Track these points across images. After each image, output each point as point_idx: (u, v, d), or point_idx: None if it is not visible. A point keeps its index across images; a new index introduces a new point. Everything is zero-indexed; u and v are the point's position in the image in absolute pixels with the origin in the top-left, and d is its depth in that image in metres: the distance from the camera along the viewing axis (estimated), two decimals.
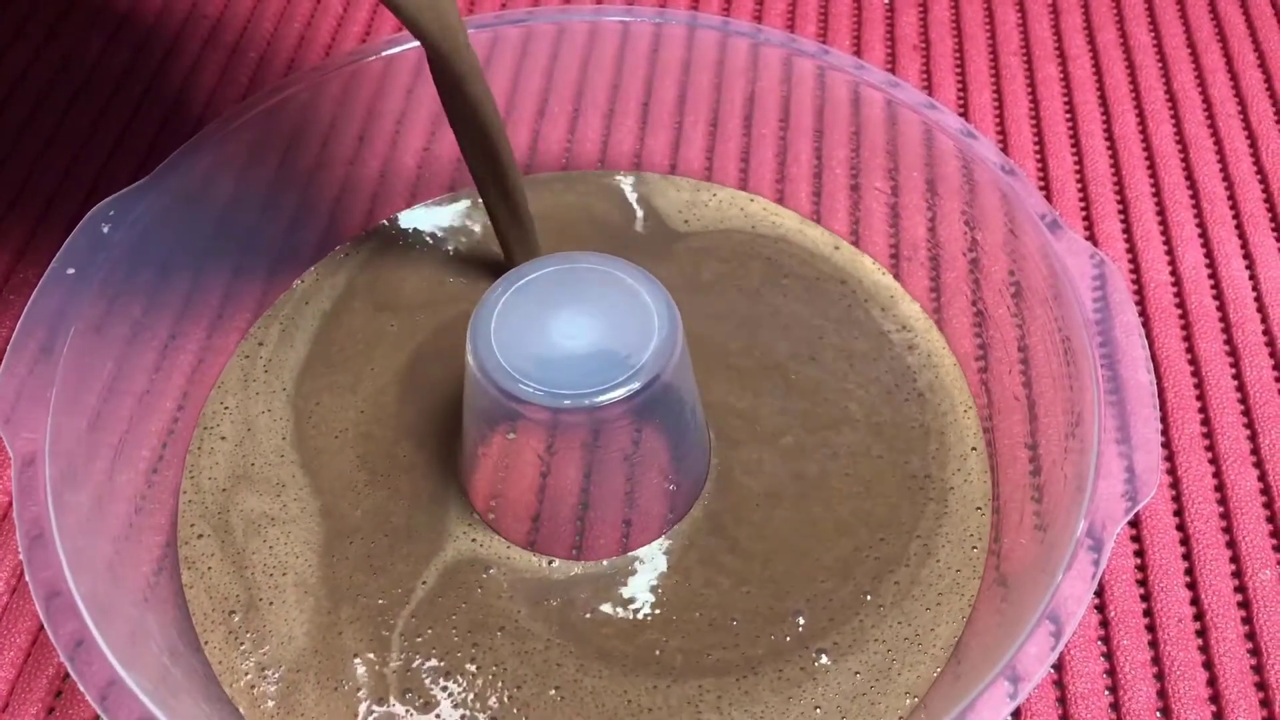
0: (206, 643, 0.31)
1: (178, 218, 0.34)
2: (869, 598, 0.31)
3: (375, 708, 0.30)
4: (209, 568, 0.32)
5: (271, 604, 0.31)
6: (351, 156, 0.39)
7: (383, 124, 0.40)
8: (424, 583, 0.32)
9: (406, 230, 0.39)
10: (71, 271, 0.31)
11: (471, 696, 0.30)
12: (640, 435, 0.31)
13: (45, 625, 0.26)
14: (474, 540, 0.32)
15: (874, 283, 0.37)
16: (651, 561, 0.32)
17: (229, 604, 0.31)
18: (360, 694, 0.30)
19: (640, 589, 0.31)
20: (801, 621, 0.30)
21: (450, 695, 0.30)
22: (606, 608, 0.31)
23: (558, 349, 0.30)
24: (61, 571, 0.26)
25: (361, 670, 0.30)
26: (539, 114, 0.41)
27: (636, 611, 0.31)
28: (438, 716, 0.29)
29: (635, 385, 0.29)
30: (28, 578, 0.26)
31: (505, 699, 0.30)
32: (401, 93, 0.39)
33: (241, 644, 0.31)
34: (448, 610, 0.31)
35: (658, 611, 0.31)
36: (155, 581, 0.31)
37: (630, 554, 0.32)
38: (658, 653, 0.30)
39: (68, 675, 0.30)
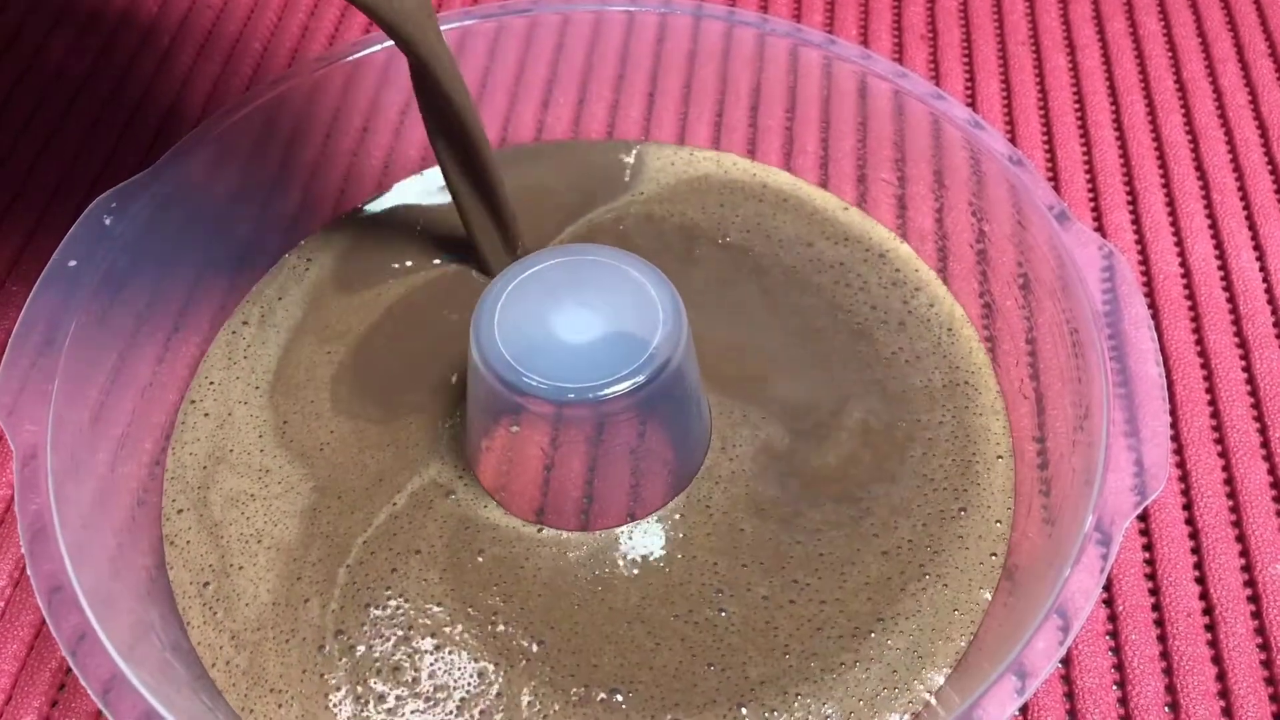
0: (189, 624, 0.30)
1: (180, 210, 0.34)
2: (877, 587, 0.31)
3: (316, 655, 0.30)
4: (187, 542, 0.32)
5: (241, 569, 0.31)
6: (354, 148, 0.39)
7: (387, 115, 0.40)
8: (391, 506, 0.32)
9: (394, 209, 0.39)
10: (73, 264, 0.31)
11: (395, 629, 0.30)
12: (645, 428, 0.30)
13: (47, 620, 0.26)
14: (450, 480, 0.33)
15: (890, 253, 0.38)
16: (645, 535, 0.32)
17: (204, 575, 0.31)
18: (306, 641, 0.30)
19: (619, 552, 0.31)
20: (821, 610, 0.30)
21: (378, 623, 0.30)
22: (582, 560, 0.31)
23: (562, 342, 0.30)
24: (63, 565, 0.26)
25: (312, 614, 0.30)
26: (543, 105, 0.41)
27: (612, 566, 0.31)
28: (367, 650, 0.30)
29: (640, 378, 0.29)
30: (29, 572, 0.26)
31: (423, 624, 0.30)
32: (406, 81, 0.39)
33: (215, 613, 0.30)
34: (390, 546, 0.31)
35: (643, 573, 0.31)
36: (157, 575, 0.31)
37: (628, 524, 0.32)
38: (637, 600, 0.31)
39: (70, 669, 0.30)
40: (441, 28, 0.37)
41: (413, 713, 0.29)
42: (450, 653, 0.30)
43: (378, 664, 0.29)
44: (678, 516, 0.32)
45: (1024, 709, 0.30)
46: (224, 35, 0.46)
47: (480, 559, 0.31)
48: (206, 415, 0.34)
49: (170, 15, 0.46)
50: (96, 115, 0.43)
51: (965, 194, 0.36)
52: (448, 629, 0.30)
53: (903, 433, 0.33)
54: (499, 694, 0.29)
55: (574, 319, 0.30)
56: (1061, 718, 0.30)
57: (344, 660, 0.30)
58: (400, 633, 0.30)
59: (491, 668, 0.29)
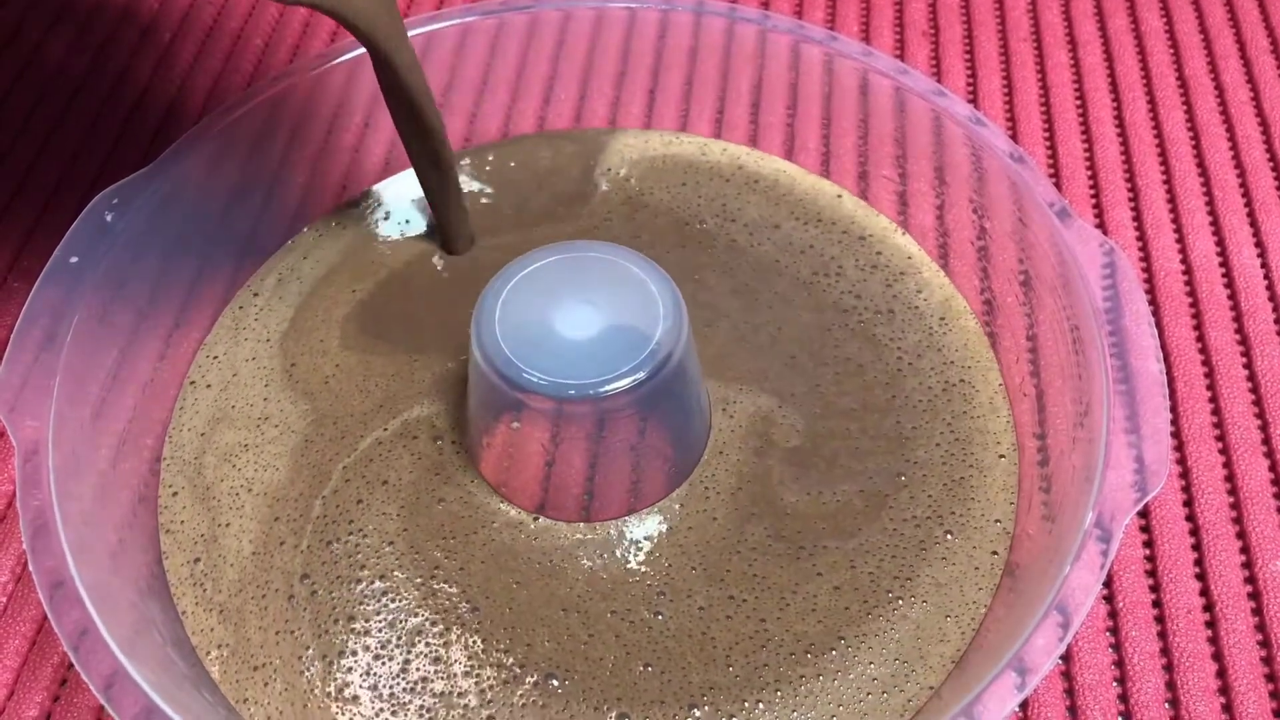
0: (184, 613, 0.30)
1: (181, 205, 0.34)
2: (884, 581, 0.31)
3: (287, 607, 0.30)
4: (181, 522, 0.32)
5: (228, 525, 0.32)
6: (356, 144, 0.39)
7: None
8: (381, 431, 0.33)
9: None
10: (75, 260, 0.31)
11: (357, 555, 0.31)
12: (646, 424, 0.30)
13: (49, 615, 0.26)
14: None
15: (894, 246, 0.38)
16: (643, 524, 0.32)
17: (194, 550, 0.31)
18: (278, 592, 0.30)
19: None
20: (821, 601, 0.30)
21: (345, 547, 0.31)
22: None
23: (563, 338, 0.30)
24: (65, 561, 0.26)
25: (285, 558, 0.31)
26: (544, 101, 0.41)
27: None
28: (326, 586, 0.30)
29: (641, 375, 0.29)
30: (31, 568, 0.26)
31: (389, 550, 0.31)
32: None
33: (204, 589, 0.31)
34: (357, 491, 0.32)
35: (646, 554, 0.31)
36: (157, 570, 0.31)
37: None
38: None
39: (73, 664, 0.30)
40: (444, 24, 0.38)
41: (365, 673, 0.29)
42: (394, 601, 0.30)
43: (334, 611, 0.30)
44: (650, 516, 0.32)
45: (1024, 705, 0.30)
46: (225, 32, 0.46)
47: (439, 506, 0.32)
48: (209, 387, 0.35)
49: (172, 11, 0.46)
50: (98, 111, 0.43)
51: (966, 191, 0.36)
52: (396, 573, 0.31)
53: (900, 431, 0.33)
54: (436, 658, 0.29)
55: (575, 315, 0.30)
56: (1062, 714, 0.30)
57: (307, 611, 0.30)
58: (353, 573, 0.31)
59: (428, 624, 0.30)
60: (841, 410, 0.33)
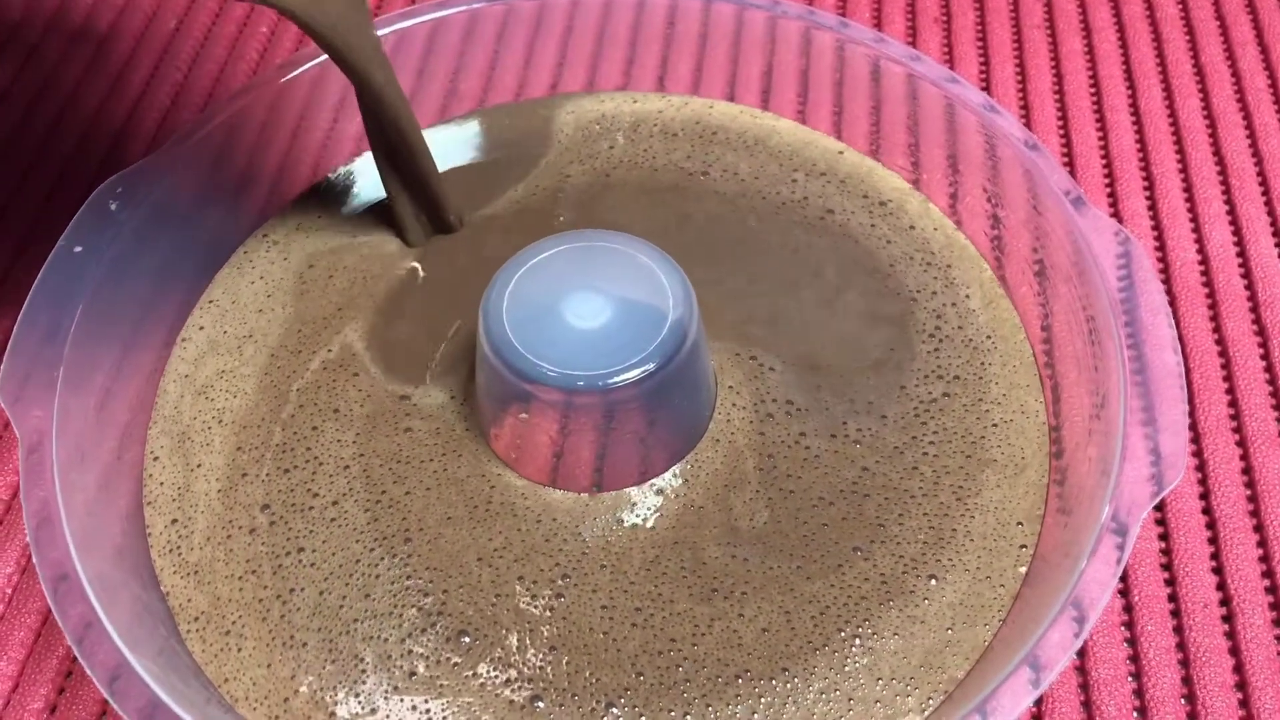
0: (167, 593, 0.30)
1: (188, 192, 0.34)
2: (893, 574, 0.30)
3: (248, 543, 0.30)
4: (160, 484, 0.31)
5: (199, 466, 0.32)
6: (361, 133, 0.39)
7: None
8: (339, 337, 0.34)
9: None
10: (79, 249, 0.31)
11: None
12: (656, 415, 0.30)
13: (53, 609, 0.26)
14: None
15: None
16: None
17: (171, 510, 0.31)
18: (241, 529, 0.30)
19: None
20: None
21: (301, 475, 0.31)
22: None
23: (571, 329, 0.29)
24: (69, 554, 0.26)
25: (247, 490, 0.31)
26: (551, 88, 0.40)
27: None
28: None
29: (650, 366, 0.29)
30: (35, 560, 0.26)
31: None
32: (413, 69, 0.39)
33: (180, 552, 0.30)
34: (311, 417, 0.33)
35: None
36: None
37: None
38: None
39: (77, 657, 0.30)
40: (451, 10, 0.37)
41: (312, 612, 0.29)
42: (340, 528, 0.30)
43: (288, 543, 0.30)
44: (606, 496, 0.31)
45: (1038, 701, 0.29)
46: (230, 18, 0.45)
47: (398, 435, 0.32)
48: (201, 329, 0.34)
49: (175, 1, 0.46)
50: (103, 98, 0.43)
51: (980, 179, 0.35)
52: (346, 499, 0.31)
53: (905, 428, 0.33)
54: (366, 594, 0.29)
55: (583, 305, 0.30)
56: (1076, 709, 0.29)
57: (266, 545, 0.30)
58: (308, 500, 0.31)
59: (365, 553, 0.30)
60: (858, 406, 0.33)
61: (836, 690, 0.28)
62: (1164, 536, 0.32)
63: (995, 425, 0.32)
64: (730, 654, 0.28)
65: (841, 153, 0.38)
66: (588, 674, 0.28)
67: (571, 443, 0.30)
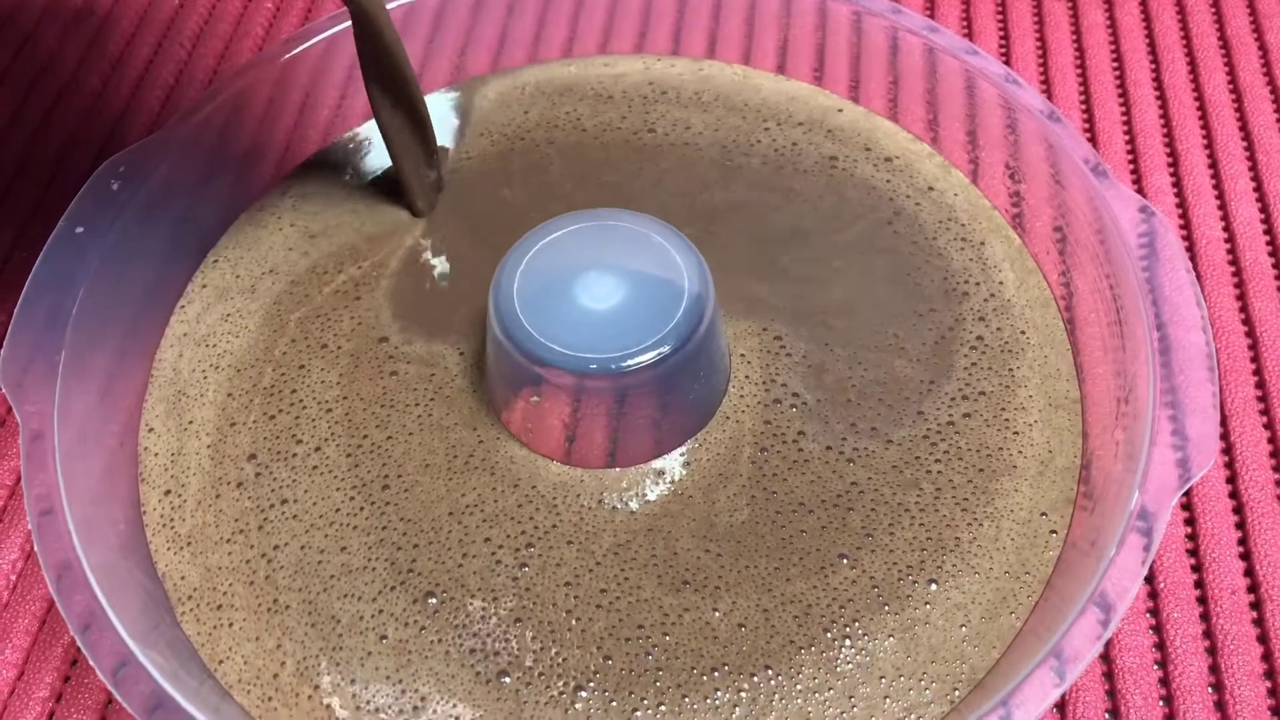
0: (163, 574, 0.29)
1: (191, 173, 0.33)
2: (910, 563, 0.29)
3: (235, 499, 0.30)
4: (155, 454, 0.31)
5: (190, 424, 0.31)
6: (366, 112, 0.38)
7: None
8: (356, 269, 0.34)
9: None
10: (80, 230, 0.30)
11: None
12: (669, 398, 0.29)
13: (56, 601, 0.25)
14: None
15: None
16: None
17: (164, 482, 0.30)
18: (229, 484, 0.30)
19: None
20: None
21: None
22: None
23: (584, 311, 0.29)
24: (72, 545, 0.26)
25: (235, 441, 0.31)
26: (566, 52, 0.39)
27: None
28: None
29: (665, 349, 0.28)
30: (38, 550, 0.26)
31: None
32: (422, 41, 0.38)
33: (173, 525, 0.30)
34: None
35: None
36: None
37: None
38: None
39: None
40: None
41: (295, 571, 0.29)
42: (321, 475, 0.30)
43: (273, 495, 0.30)
44: (588, 473, 0.30)
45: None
46: None
47: (383, 378, 0.32)
48: (204, 286, 0.34)
49: None
50: (106, 76, 0.42)
51: (1001, 154, 0.34)
52: (328, 445, 0.31)
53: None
54: (342, 547, 0.29)
55: (596, 286, 0.29)
56: (1101, 698, 0.29)
57: (253, 499, 0.30)
58: (291, 447, 0.31)
59: (345, 502, 0.30)
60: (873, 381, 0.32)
61: (830, 689, 0.27)
62: (1190, 521, 0.31)
63: (1017, 433, 0.30)
64: (704, 645, 0.28)
65: (841, 110, 0.37)
66: (554, 652, 0.27)
67: (584, 424, 0.30)
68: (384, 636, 0.28)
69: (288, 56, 0.35)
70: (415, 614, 0.28)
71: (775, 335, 0.32)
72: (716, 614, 0.28)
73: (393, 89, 0.33)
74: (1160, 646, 0.29)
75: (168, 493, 0.30)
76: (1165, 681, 0.29)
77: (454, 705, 0.27)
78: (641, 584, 0.28)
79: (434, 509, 0.30)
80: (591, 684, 0.27)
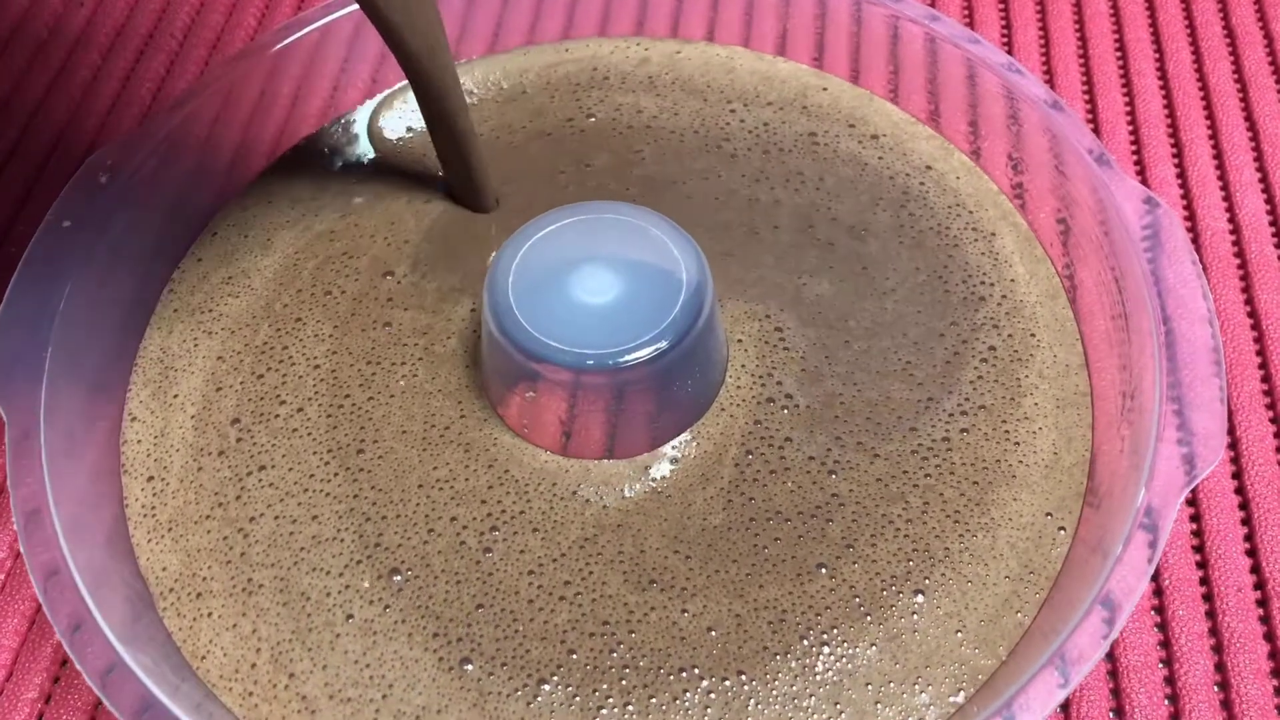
0: (146, 567, 0.29)
1: (181, 165, 0.33)
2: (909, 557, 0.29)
3: (215, 468, 0.30)
4: (138, 442, 0.31)
5: (175, 396, 0.31)
6: (358, 101, 0.38)
7: None
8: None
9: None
10: (68, 224, 0.30)
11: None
12: (667, 392, 0.29)
13: (44, 606, 0.25)
14: None
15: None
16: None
17: (147, 467, 0.30)
18: (210, 454, 0.30)
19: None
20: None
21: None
22: None
23: (580, 305, 0.28)
24: (59, 548, 0.25)
25: (221, 405, 0.31)
26: (566, 31, 0.39)
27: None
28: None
29: (663, 344, 0.28)
30: (24, 553, 0.25)
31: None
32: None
33: (155, 511, 0.29)
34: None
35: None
36: None
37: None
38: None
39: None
40: None
41: (269, 544, 0.29)
42: (300, 438, 0.30)
43: (251, 461, 0.30)
44: (567, 461, 0.30)
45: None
46: None
47: (375, 330, 0.32)
48: (199, 260, 0.34)
49: None
50: (96, 68, 0.41)
51: (1003, 145, 0.34)
52: (310, 404, 0.31)
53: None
54: (314, 516, 0.29)
55: (592, 280, 0.29)
56: (1105, 697, 0.28)
57: (233, 467, 0.30)
58: (274, 408, 0.31)
59: (320, 466, 0.30)
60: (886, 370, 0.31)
61: (812, 695, 0.26)
62: (1195, 518, 0.31)
63: (1018, 443, 0.30)
64: (672, 646, 0.27)
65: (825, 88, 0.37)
66: (516, 643, 0.27)
67: (581, 420, 0.29)
68: (350, 615, 0.27)
69: (279, 46, 0.35)
70: (380, 591, 0.28)
71: (776, 326, 0.32)
72: (685, 615, 0.27)
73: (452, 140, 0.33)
74: (1165, 645, 0.29)
75: (150, 479, 0.30)
76: (1171, 680, 0.28)
77: (418, 693, 0.26)
78: (607, 579, 0.28)
79: (405, 479, 0.29)
80: (555, 677, 0.27)
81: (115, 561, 0.27)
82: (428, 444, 0.30)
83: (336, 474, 0.29)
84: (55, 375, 0.28)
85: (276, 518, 0.29)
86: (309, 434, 0.30)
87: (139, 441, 0.30)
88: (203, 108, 0.33)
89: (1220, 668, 0.29)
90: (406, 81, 0.33)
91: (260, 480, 0.30)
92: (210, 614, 0.28)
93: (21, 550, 0.25)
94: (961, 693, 0.26)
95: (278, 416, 0.30)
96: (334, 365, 0.31)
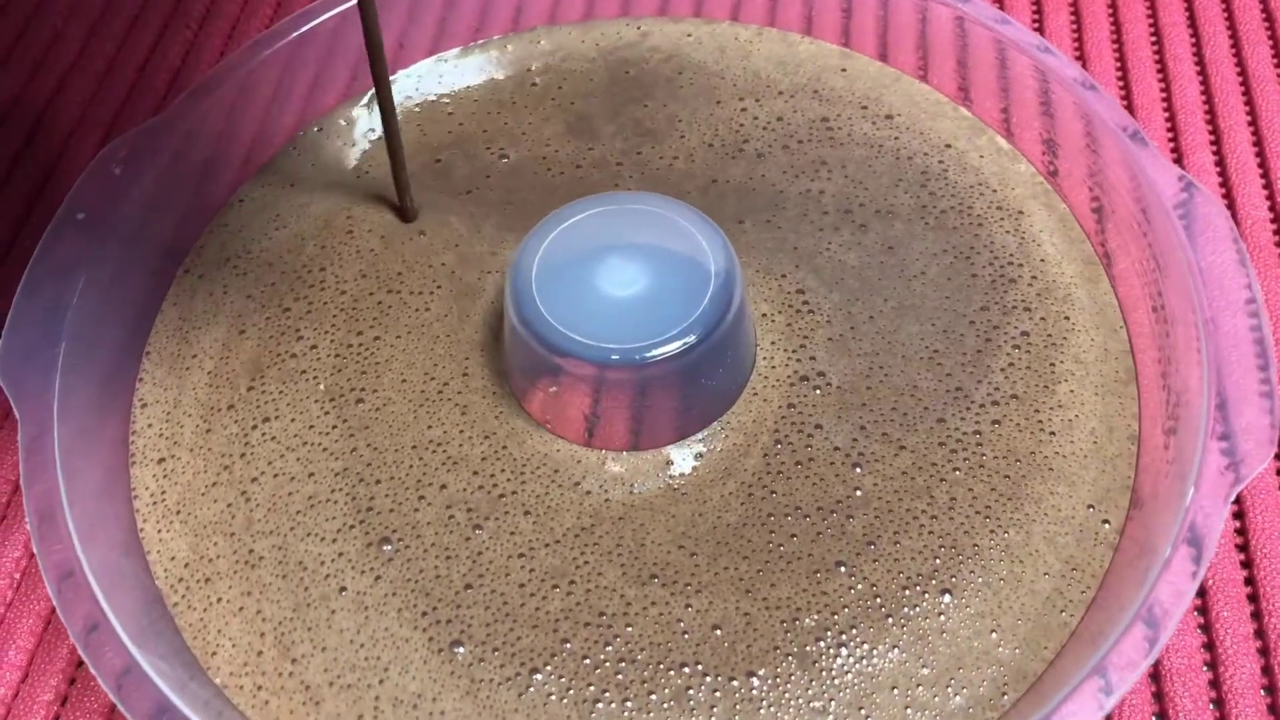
0: (154, 563, 0.28)
1: (196, 156, 0.32)
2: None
3: (224, 425, 0.30)
4: (148, 426, 0.30)
5: (194, 357, 0.31)
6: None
7: (415, 52, 0.37)
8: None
9: None
10: (81, 216, 0.29)
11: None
12: (694, 387, 0.28)
13: (58, 609, 0.24)
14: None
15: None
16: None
17: (159, 449, 0.30)
18: (220, 411, 0.30)
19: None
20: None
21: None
22: None
23: (605, 298, 0.28)
24: (73, 549, 0.25)
25: (241, 352, 0.31)
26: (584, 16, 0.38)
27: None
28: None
29: (691, 338, 0.27)
30: (37, 553, 0.25)
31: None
32: (436, 18, 0.37)
33: (165, 497, 0.29)
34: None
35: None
36: None
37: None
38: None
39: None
40: None
41: (269, 507, 0.29)
42: (303, 381, 0.30)
43: (258, 412, 0.30)
44: (572, 447, 0.29)
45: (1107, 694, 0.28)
46: None
47: (411, 241, 0.33)
48: (225, 224, 0.34)
49: None
50: (111, 59, 0.41)
51: (1036, 129, 0.33)
52: (318, 345, 0.31)
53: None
54: (310, 473, 0.29)
55: (618, 272, 0.28)
56: (1148, 701, 0.27)
57: (239, 422, 0.30)
58: (288, 346, 0.31)
59: (321, 416, 0.30)
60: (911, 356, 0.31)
61: (833, 700, 0.25)
62: (1239, 515, 0.30)
63: (1053, 433, 0.29)
64: (674, 642, 0.26)
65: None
66: (508, 628, 0.26)
67: (605, 414, 0.29)
68: (344, 588, 0.27)
69: (297, 34, 0.34)
70: (370, 560, 0.27)
71: (798, 288, 0.31)
72: (689, 610, 0.27)
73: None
74: (1209, 647, 0.28)
75: (161, 460, 0.29)
76: (1216, 683, 0.28)
77: (412, 678, 0.26)
78: (603, 571, 0.27)
79: (399, 437, 0.29)
80: (549, 667, 0.26)
81: (128, 560, 0.27)
82: (425, 399, 0.30)
83: (335, 426, 0.29)
84: (68, 371, 0.27)
85: (276, 475, 0.29)
86: (314, 376, 0.30)
87: (149, 425, 0.30)
88: (220, 97, 0.33)
89: (1267, 670, 0.28)
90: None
91: (263, 434, 0.29)
92: (219, 599, 0.27)
93: (35, 552, 0.25)
94: (1006, 694, 0.25)
95: (293, 356, 0.31)
96: (357, 294, 0.32)
